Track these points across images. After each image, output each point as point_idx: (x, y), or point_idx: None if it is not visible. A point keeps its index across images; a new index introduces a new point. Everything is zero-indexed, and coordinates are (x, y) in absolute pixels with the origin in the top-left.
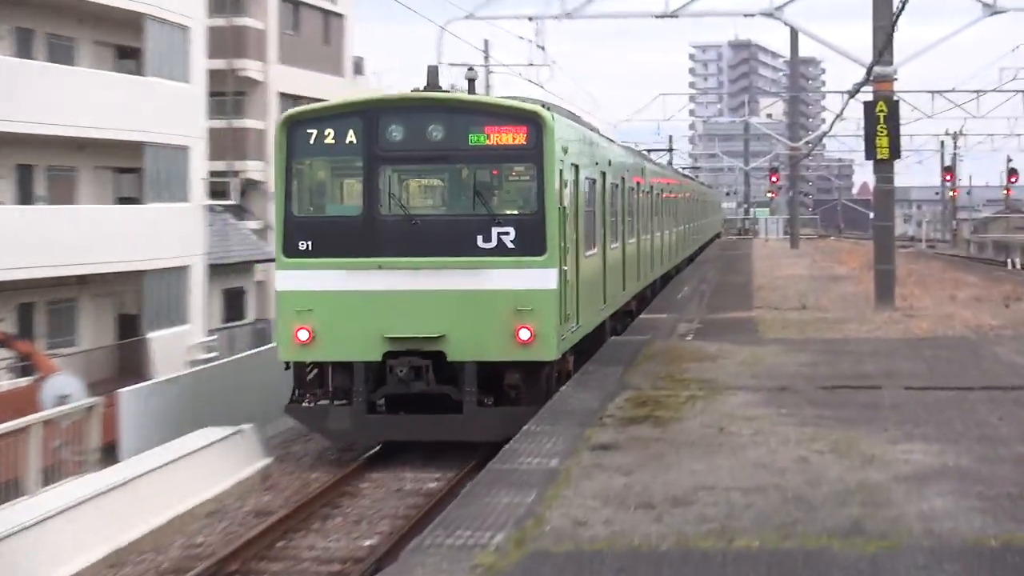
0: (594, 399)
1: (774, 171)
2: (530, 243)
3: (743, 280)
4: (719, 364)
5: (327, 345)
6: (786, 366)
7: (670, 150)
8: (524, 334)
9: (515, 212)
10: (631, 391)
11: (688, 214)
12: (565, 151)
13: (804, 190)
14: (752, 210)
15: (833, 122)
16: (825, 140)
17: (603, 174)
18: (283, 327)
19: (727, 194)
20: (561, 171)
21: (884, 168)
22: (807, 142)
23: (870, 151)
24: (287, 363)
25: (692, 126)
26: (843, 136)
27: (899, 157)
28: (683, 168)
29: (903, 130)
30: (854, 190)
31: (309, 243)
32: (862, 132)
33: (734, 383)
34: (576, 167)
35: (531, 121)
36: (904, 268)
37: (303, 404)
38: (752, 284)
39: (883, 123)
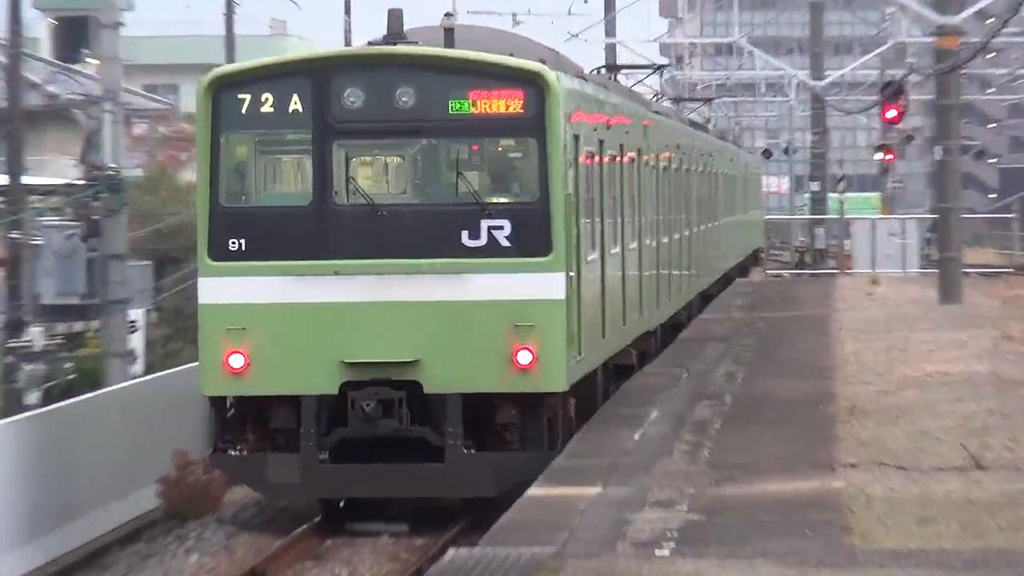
0: None
1: (891, 96)
2: (531, 239)
3: (808, 389)
4: None
5: (267, 374)
6: None
7: (656, 69)
8: (524, 357)
9: (511, 200)
10: None
11: (706, 204)
12: (568, 118)
13: (974, 141)
14: (835, 196)
15: None
16: None
17: (600, 142)
18: (209, 352)
19: (766, 157)
20: (566, 146)
21: None
22: (978, 14)
23: None
24: (211, 399)
25: None
26: None
27: None
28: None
29: None
30: None
31: (242, 242)
32: None
33: None
34: (577, 138)
35: (531, 83)
36: None
37: (231, 452)
38: (835, 398)
39: None
